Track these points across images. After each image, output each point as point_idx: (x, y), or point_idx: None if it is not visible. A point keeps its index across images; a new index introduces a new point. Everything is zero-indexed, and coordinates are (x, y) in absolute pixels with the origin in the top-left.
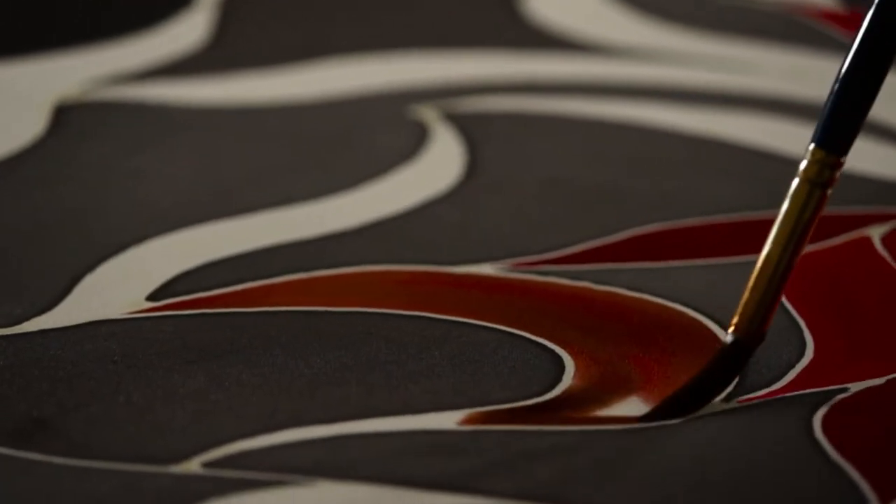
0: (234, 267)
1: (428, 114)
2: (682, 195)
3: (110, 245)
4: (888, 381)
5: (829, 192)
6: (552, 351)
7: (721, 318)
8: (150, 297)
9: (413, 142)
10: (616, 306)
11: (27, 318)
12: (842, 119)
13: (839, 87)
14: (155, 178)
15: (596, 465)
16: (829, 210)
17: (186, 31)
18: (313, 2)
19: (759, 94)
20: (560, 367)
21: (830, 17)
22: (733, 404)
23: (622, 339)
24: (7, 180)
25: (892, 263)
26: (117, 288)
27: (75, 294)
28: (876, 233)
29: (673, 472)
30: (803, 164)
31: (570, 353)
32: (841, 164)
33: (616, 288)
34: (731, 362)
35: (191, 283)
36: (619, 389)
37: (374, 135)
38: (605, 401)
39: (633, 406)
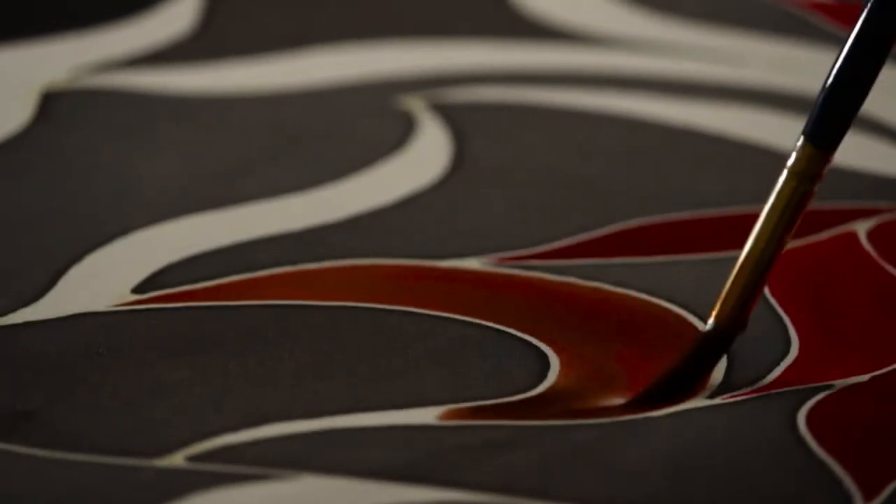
0: (220, 259)
1: (415, 104)
2: (669, 188)
3: (96, 236)
4: (872, 377)
5: (816, 188)
6: (537, 347)
7: (706, 314)
8: (136, 290)
9: (400, 132)
10: (601, 302)
11: (12, 310)
12: (833, 115)
13: (833, 83)
14: (141, 166)
15: (576, 458)
16: (815, 205)
17: (174, 20)
18: None
19: (747, 85)
20: (545, 364)
21: (820, 7)
22: (717, 401)
23: (607, 336)
24: None
25: (878, 259)
26: (103, 280)
27: (61, 286)
28: (861, 228)
29: (655, 467)
30: (792, 159)
31: (555, 350)
32: (829, 160)
33: (601, 283)
34: (712, 349)
35: (176, 276)
36: (605, 387)
37: (361, 125)
38: (589, 398)
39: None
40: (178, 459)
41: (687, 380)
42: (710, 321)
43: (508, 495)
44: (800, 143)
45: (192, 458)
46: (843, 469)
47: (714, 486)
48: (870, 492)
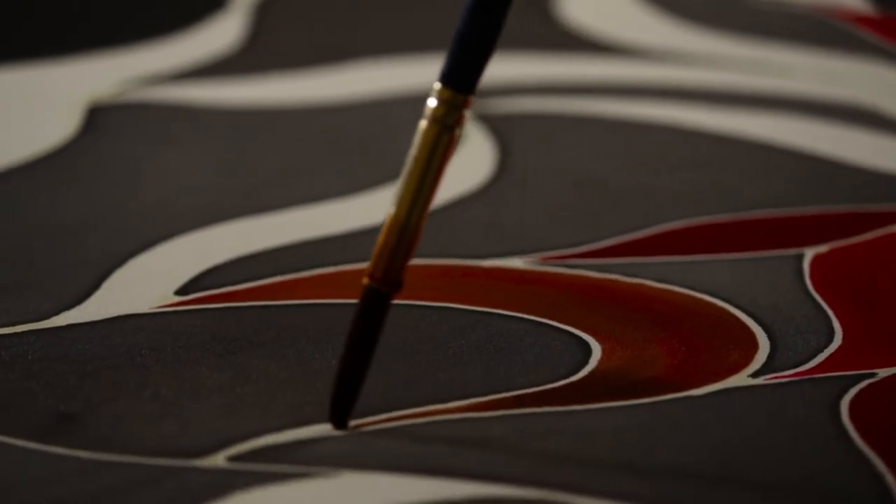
0: (263, 262)
1: None
2: (711, 193)
3: (139, 241)
4: None
5: (458, 133)
6: (579, 337)
7: (748, 307)
8: (179, 292)
9: None
10: (643, 296)
11: (55, 313)
12: (467, 55)
13: (463, 23)
14: (184, 176)
15: (617, 451)
16: (860, 207)
17: (220, 34)
18: (344, 5)
19: (788, 95)
20: (587, 351)
21: (862, 20)
22: (761, 381)
23: (649, 325)
24: (39, 179)
25: None
26: (146, 283)
27: (104, 289)
28: None
29: (698, 462)
30: (430, 105)
31: (597, 339)
32: (468, 104)
33: (643, 280)
34: (371, 308)
35: (219, 278)
36: (645, 368)
37: (404, 135)
38: (630, 380)
39: (659, 384)
40: (219, 460)
41: (361, 339)
42: (364, 280)
43: (547, 489)
44: (437, 87)
45: (233, 459)
46: (884, 465)
47: (755, 479)
48: None
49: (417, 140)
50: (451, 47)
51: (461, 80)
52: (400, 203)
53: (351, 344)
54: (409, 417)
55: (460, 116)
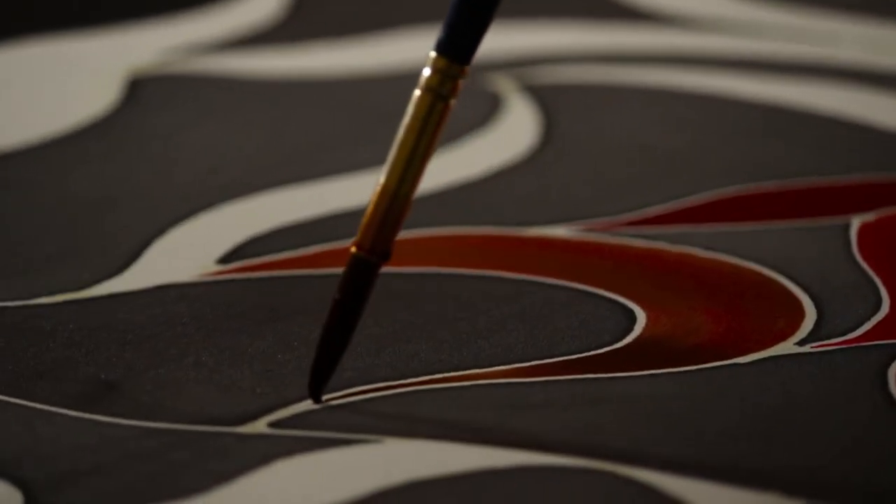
0: (304, 231)
1: (504, 84)
2: (757, 161)
3: (180, 211)
4: None
5: (452, 103)
6: (624, 305)
7: (796, 276)
8: (220, 261)
9: (488, 111)
10: (689, 265)
11: (96, 282)
12: (464, 24)
13: None
14: (225, 146)
15: (663, 418)
16: None
17: (261, 4)
18: None
19: (836, 64)
20: (631, 319)
21: None
22: (807, 349)
23: (694, 294)
24: (80, 149)
25: None
26: (187, 252)
27: (145, 258)
28: None
29: (742, 425)
30: (425, 74)
31: (642, 307)
32: (464, 74)
33: (690, 248)
34: (357, 277)
35: (260, 247)
36: (689, 336)
37: None
38: (675, 348)
39: (705, 352)
40: (260, 426)
41: (345, 309)
42: (352, 249)
43: (592, 457)
44: (432, 56)
45: (274, 425)
46: None
47: (802, 447)
48: None
49: (410, 109)
50: (447, 16)
51: (457, 49)
52: (390, 173)
53: (335, 314)
54: (452, 381)
55: (455, 86)
